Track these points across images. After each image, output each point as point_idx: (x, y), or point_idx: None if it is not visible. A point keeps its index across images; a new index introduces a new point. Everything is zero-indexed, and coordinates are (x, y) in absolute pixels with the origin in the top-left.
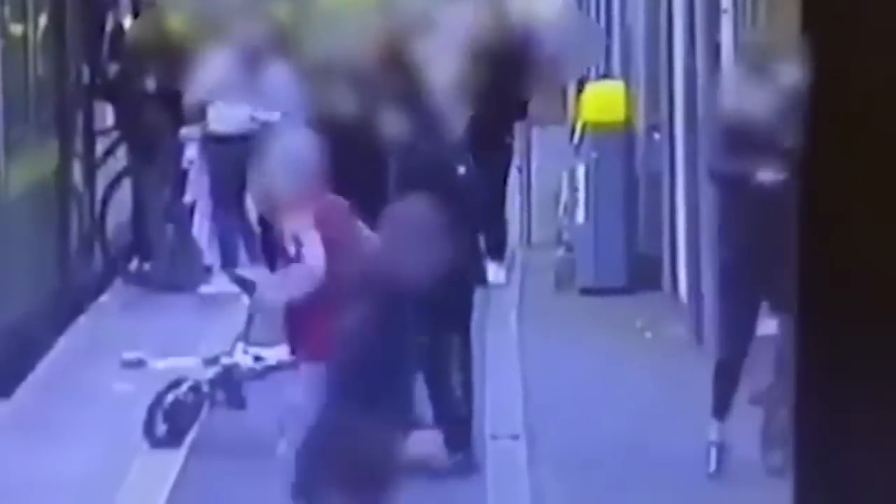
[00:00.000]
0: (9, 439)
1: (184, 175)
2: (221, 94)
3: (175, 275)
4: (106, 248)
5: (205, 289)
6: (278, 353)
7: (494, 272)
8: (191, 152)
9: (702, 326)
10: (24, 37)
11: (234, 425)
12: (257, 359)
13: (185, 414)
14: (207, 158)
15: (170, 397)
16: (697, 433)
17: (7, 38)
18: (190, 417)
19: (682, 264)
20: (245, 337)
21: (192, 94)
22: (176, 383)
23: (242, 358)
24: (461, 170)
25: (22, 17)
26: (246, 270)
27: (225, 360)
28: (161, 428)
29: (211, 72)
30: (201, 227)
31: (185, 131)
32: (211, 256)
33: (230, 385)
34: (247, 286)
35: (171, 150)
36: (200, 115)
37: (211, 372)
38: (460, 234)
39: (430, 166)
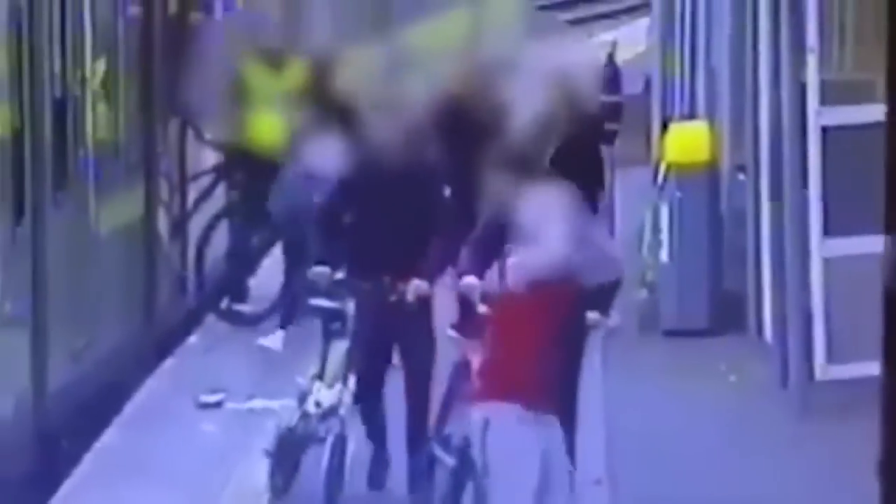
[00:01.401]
0: (97, 479)
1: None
2: None
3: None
4: (202, 285)
5: None
6: (332, 395)
7: (613, 317)
8: None
9: (787, 369)
10: (115, 76)
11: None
12: (317, 404)
13: (294, 458)
14: None
15: (280, 445)
16: (781, 478)
17: (95, 77)
18: (296, 461)
19: (768, 306)
20: (321, 375)
21: None
22: (287, 431)
23: (311, 403)
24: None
25: (111, 56)
26: None
27: (305, 405)
28: (279, 479)
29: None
30: None
31: None
32: None
33: (309, 430)
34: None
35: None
36: None
37: (296, 415)
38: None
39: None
